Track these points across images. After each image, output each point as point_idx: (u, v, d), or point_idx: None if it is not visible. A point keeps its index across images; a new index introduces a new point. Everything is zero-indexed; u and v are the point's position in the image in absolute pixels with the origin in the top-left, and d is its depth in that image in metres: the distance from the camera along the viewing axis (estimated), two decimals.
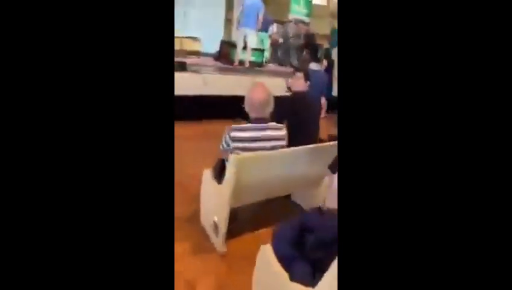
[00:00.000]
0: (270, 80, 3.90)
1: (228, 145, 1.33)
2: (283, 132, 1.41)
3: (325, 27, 6.88)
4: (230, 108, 3.49)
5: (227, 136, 1.34)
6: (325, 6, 9.20)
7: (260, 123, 1.37)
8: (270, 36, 5.97)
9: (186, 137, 2.93)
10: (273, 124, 1.42)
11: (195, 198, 1.71)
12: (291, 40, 6.19)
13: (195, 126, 3.17)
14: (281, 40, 6.21)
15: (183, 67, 3.16)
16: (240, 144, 1.31)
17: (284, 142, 1.41)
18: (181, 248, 1.42)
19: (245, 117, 1.44)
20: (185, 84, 3.11)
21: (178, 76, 3.13)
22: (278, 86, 3.84)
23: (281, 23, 6.68)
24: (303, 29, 6.46)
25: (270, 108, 1.39)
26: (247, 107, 1.38)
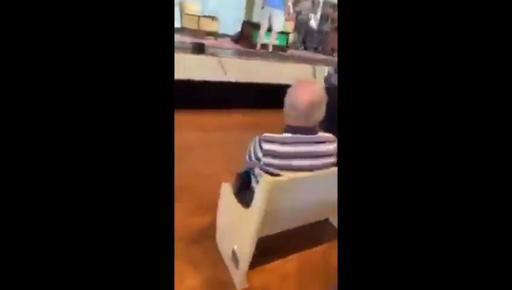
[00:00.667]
0: (295, 67, 3.49)
1: (258, 158, 1.00)
2: (334, 145, 1.06)
3: None
4: (251, 96, 3.18)
5: (258, 146, 1.00)
6: None
7: (306, 134, 1.02)
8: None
9: (202, 127, 2.64)
10: (324, 135, 1.06)
11: (211, 208, 1.41)
12: (312, 22, 5.66)
13: (211, 115, 2.85)
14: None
15: (201, 49, 2.81)
16: (275, 161, 0.98)
17: (334, 159, 1.06)
18: (191, 281, 1.15)
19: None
20: (202, 68, 2.78)
21: (195, 58, 2.80)
22: (304, 73, 3.44)
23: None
24: (331, 13, 5.91)
25: (321, 114, 1.02)
26: (288, 112, 1.02)
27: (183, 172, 1.43)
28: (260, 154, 0.98)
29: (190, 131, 2.50)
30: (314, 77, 3.45)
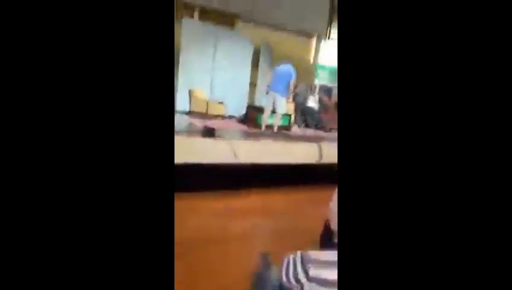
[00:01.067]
0: (301, 146, 3.55)
1: (298, 280, 0.82)
2: None
3: None
4: (262, 176, 3.14)
5: (299, 267, 0.82)
6: None
7: None
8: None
9: (216, 213, 2.48)
10: None
11: None
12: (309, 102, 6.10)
13: (223, 199, 2.73)
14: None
15: (211, 133, 2.89)
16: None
17: None
18: None
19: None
20: (211, 151, 2.80)
21: (205, 142, 2.86)
22: (310, 151, 3.48)
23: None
24: (326, 100, 6.41)
25: None
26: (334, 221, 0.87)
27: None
28: (303, 277, 0.81)
29: (202, 218, 2.35)
30: (321, 155, 3.48)
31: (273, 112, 4.06)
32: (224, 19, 6.28)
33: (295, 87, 4.38)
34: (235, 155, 2.90)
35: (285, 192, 3.13)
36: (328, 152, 3.52)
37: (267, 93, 4.06)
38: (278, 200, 2.92)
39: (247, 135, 3.74)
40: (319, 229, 1.01)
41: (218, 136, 2.97)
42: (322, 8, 5.10)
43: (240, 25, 7.74)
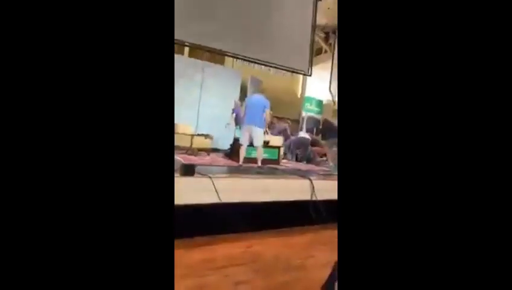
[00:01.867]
0: (290, 183, 3.27)
1: None
2: None
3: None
4: (247, 217, 2.80)
5: None
6: (330, 104, 9.85)
7: None
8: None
9: (191, 266, 2.07)
10: None
11: None
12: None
13: (200, 247, 2.35)
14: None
15: (191, 169, 2.60)
16: None
17: None
18: None
19: None
20: (190, 190, 2.48)
21: (183, 181, 2.55)
22: (301, 189, 3.19)
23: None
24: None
25: None
26: None
27: None
28: None
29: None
30: (314, 194, 3.19)
31: (251, 145, 3.83)
32: (214, 56, 6.34)
33: (272, 118, 4.24)
34: (218, 194, 2.59)
35: (277, 234, 2.78)
36: (320, 191, 3.24)
37: (242, 127, 3.84)
38: (269, 245, 2.55)
39: (232, 171, 3.45)
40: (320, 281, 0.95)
41: (199, 173, 2.68)
42: (304, 49, 5.34)
43: (229, 60, 7.90)
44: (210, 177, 2.61)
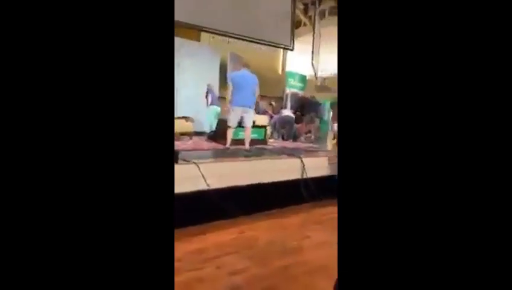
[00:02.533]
0: (276, 163, 3.16)
1: None
2: None
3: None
4: (233, 203, 2.69)
5: None
6: (312, 79, 9.73)
7: None
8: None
9: (181, 258, 1.93)
10: None
11: None
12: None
13: (194, 238, 2.22)
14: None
15: (174, 157, 2.41)
16: None
17: None
18: None
19: None
20: (177, 178, 2.30)
21: None
22: (293, 167, 3.10)
23: None
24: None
25: None
26: None
27: None
28: None
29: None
30: (305, 172, 3.10)
31: (240, 125, 3.59)
32: (189, 32, 5.90)
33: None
34: (205, 180, 2.43)
35: (269, 217, 2.69)
36: (309, 165, 3.16)
37: (230, 108, 3.43)
38: (262, 229, 2.46)
39: (219, 154, 3.28)
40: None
41: (183, 160, 2.49)
42: (284, 22, 5.07)
43: (205, 37, 7.42)
44: (195, 163, 2.44)
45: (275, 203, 2.88)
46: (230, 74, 3.77)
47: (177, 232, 2.19)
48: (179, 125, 4.68)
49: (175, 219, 2.06)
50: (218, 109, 5.49)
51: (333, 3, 10.13)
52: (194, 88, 5.69)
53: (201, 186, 2.42)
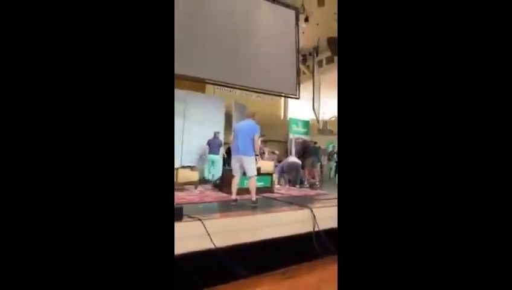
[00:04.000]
0: (286, 215, 2.99)
1: None
2: None
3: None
4: (245, 262, 2.47)
5: None
6: (314, 123, 9.91)
7: None
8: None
9: None
10: None
11: None
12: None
13: None
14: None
15: (179, 214, 2.28)
16: None
17: None
18: None
19: None
20: (181, 236, 2.15)
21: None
22: (303, 219, 2.92)
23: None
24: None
25: None
26: None
27: None
28: None
29: None
30: (316, 224, 2.92)
31: (244, 174, 3.49)
32: (195, 85, 6.20)
33: (261, 143, 3.93)
34: (211, 238, 2.27)
35: (283, 277, 2.45)
36: (322, 220, 2.99)
37: (233, 156, 3.44)
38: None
39: (225, 208, 3.14)
40: None
41: (188, 216, 2.36)
42: (289, 71, 5.34)
43: (210, 88, 7.79)
44: (200, 219, 2.30)
45: (287, 260, 2.65)
46: (235, 124, 3.83)
47: None
48: (184, 175, 4.62)
49: (178, 282, 1.86)
50: (216, 157, 5.52)
51: (329, 54, 10.85)
52: (200, 138, 5.77)
53: (207, 245, 2.25)
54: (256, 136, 3.31)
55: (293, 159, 5.48)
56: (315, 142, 6.39)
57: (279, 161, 5.92)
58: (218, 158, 5.61)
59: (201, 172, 5.51)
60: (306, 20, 7.24)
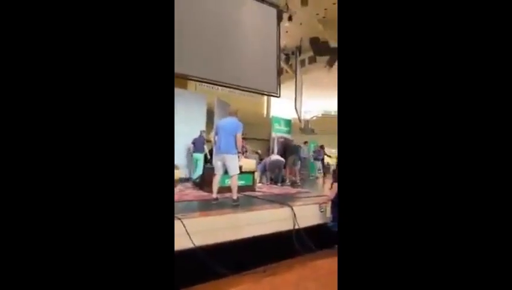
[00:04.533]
0: (266, 213, 3.01)
1: None
2: None
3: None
4: (225, 260, 2.45)
5: None
6: (296, 122, 10.02)
7: None
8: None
9: None
10: None
11: None
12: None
13: None
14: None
15: None
16: None
17: None
18: None
19: None
20: None
21: None
22: (283, 217, 2.95)
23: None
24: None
25: None
26: None
27: None
28: None
29: None
30: (296, 222, 2.96)
31: (227, 172, 3.46)
32: (176, 81, 6.05)
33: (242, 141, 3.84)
34: (190, 238, 2.23)
35: (263, 275, 2.46)
36: (302, 216, 3.03)
37: (215, 154, 3.39)
38: (258, 288, 2.22)
39: (205, 207, 3.10)
40: None
41: None
42: (270, 70, 5.34)
43: (192, 84, 7.65)
44: (179, 219, 2.26)
45: (267, 258, 2.66)
46: (217, 122, 3.77)
47: None
48: None
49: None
50: (200, 155, 5.46)
51: (311, 54, 11.01)
52: (182, 135, 5.65)
53: (186, 244, 2.21)
54: (239, 134, 3.28)
55: (275, 157, 5.51)
56: (291, 140, 6.48)
57: (261, 159, 5.93)
58: (202, 157, 5.55)
59: (186, 171, 5.41)
60: (289, 19, 7.28)
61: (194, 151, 5.52)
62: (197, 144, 5.50)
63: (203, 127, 5.91)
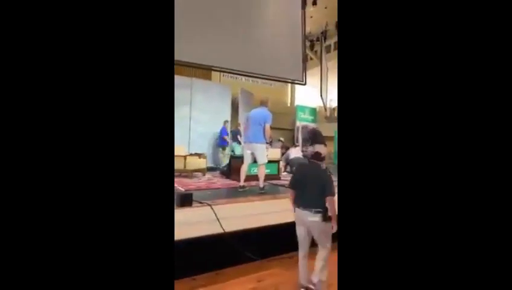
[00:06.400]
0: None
1: None
2: None
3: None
4: (253, 246, 2.54)
5: None
6: (322, 110, 9.79)
7: None
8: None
9: None
10: None
11: None
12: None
13: (208, 288, 2.06)
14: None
15: (188, 199, 2.34)
16: None
17: None
18: None
19: None
20: (189, 223, 2.22)
21: (181, 213, 2.29)
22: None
23: None
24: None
25: None
26: None
27: None
28: None
29: None
30: None
31: (255, 162, 3.53)
32: (201, 72, 6.16)
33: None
34: (220, 223, 2.33)
35: (289, 260, 2.52)
36: None
37: (243, 143, 3.47)
38: (283, 275, 2.29)
39: (233, 194, 3.19)
40: None
41: (197, 201, 2.42)
42: (295, 57, 5.22)
43: (216, 75, 7.74)
44: (210, 205, 2.36)
45: (293, 244, 2.71)
46: (247, 112, 3.81)
47: (188, 282, 2.05)
48: (192, 162, 4.69)
49: (187, 266, 1.92)
50: (237, 145, 5.60)
51: (336, 39, 10.60)
52: (207, 124, 5.79)
53: (217, 229, 2.32)
54: (268, 124, 3.31)
55: (295, 154, 5.43)
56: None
57: (287, 148, 5.92)
58: (240, 147, 5.70)
59: (208, 158, 5.57)
60: (314, 3, 7.03)
61: (222, 142, 5.68)
62: (234, 135, 5.72)
63: (228, 118, 6.01)
